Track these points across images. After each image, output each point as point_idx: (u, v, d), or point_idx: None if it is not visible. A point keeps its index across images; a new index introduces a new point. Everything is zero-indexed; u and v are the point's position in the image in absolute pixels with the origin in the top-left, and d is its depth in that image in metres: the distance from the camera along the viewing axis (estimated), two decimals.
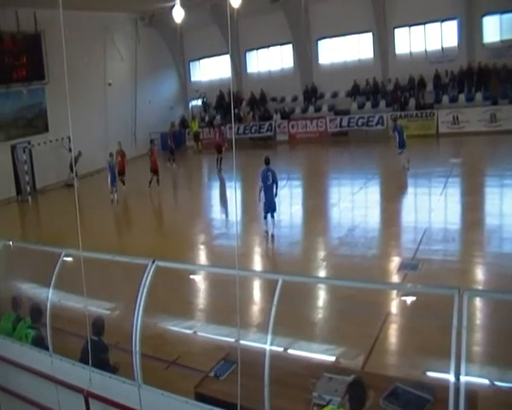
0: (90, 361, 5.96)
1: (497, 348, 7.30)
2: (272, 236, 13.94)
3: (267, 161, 13.93)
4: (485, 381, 4.48)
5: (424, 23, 29.29)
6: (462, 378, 3.95)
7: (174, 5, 25.38)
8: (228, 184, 22.37)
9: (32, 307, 7.28)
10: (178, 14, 24.05)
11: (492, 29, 28.10)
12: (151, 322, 5.99)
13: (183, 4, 25.78)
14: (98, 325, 6.61)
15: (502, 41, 27.72)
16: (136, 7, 29.55)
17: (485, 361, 6.67)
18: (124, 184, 21.91)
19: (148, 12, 31.47)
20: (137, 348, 5.50)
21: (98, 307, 6.62)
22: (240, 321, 4.88)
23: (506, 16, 27.55)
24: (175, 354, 8.03)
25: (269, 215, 14.00)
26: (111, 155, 21.35)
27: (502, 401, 5.09)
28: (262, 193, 13.80)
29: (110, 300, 6.82)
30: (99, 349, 6.47)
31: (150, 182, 21.90)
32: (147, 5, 29.01)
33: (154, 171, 22.00)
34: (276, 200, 14.05)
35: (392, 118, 27.93)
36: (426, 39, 29.70)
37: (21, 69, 24.06)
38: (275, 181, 13.76)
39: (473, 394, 4.52)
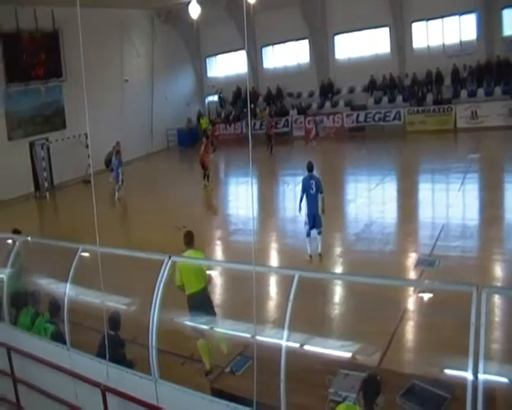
0: (108, 356, 6.01)
1: None
2: (320, 255, 11.85)
3: (310, 168, 12.02)
4: (504, 379, 4.41)
5: (442, 17, 28.96)
6: (481, 376, 3.90)
7: (190, 1, 25.47)
8: (244, 180, 22.36)
9: (51, 301, 7.36)
10: (195, 10, 24.12)
11: None
12: (168, 317, 6.01)
13: (198, 0, 25.86)
14: (115, 320, 6.67)
15: None
16: (153, 3, 29.63)
17: (504, 359, 6.58)
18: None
19: (165, 8, 31.57)
20: (154, 343, 5.53)
21: (115, 303, 6.65)
22: (256, 317, 4.86)
23: None
24: (191, 350, 8.07)
25: (313, 231, 11.93)
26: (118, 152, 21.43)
27: None
28: (304, 204, 11.92)
29: (127, 295, 6.86)
30: (116, 344, 6.53)
31: (204, 177, 21.45)
32: (163, 1, 29.09)
33: (203, 165, 21.51)
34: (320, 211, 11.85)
35: None
36: (444, 33, 29.37)
37: (39, 67, 24.29)
38: (319, 191, 11.74)
39: (491, 392, 4.46)
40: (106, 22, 26.70)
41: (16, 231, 8.96)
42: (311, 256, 11.87)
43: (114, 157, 21.44)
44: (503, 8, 27.45)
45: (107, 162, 23.85)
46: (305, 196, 11.77)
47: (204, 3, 27.30)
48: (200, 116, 33.89)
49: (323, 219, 11.92)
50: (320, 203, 11.72)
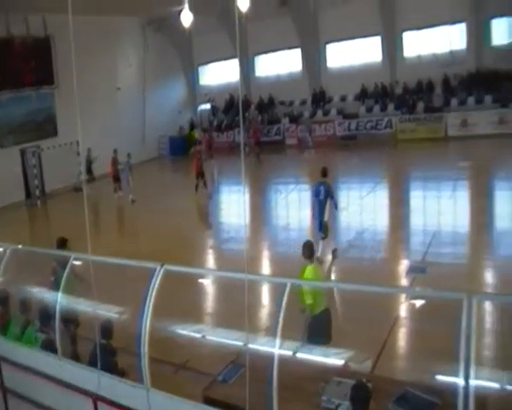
0: (99, 365, 5.98)
1: (507, 352, 7.26)
2: (317, 259, 11.53)
3: (323, 173, 12.07)
4: (495, 385, 4.45)
5: (432, 26, 29.26)
6: (472, 382, 3.92)
7: (182, 10, 25.51)
8: (235, 189, 22.36)
9: (41, 310, 7.31)
10: (187, 19, 24.16)
11: (501, 32, 28.09)
12: (160, 326, 5.99)
13: (191, 9, 25.90)
14: (106, 329, 6.63)
15: (510, 44, 27.67)
16: (145, 12, 29.67)
17: (494, 365, 6.62)
18: (120, 190, 21.97)
19: (157, 17, 31.59)
20: (145, 351, 5.50)
21: (106, 311, 6.62)
22: (248, 325, 4.86)
23: None
24: (184, 358, 8.04)
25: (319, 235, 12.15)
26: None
27: None
28: (316, 209, 12.18)
29: (119, 304, 6.83)
30: (107, 353, 6.49)
31: (197, 187, 21.17)
32: (155, 10, 29.10)
33: (199, 174, 21.16)
34: (327, 217, 12.07)
35: None
36: (434, 42, 29.65)
37: (31, 74, 24.24)
38: (329, 196, 11.97)
39: (482, 398, 4.49)
40: (98, 30, 26.66)
41: (62, 241, 8.76)
42: (317, 259, 11.88)
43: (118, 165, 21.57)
44: (492, 18, 27.82)
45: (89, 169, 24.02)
46: (317, 201, 12.03)
47: (196, 12, 27.37)
48: (193, 127, 33.76)
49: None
50: (326, 209, 11.91)
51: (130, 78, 31.73)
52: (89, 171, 24.14)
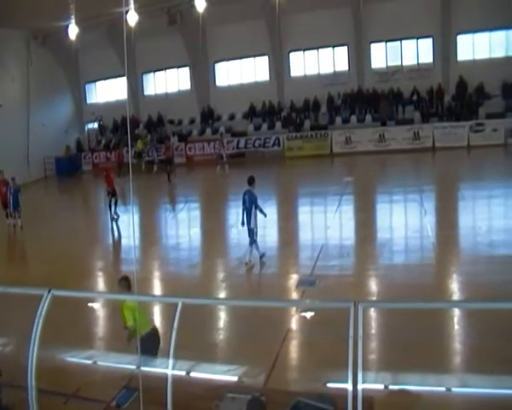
0: None
1: (391, 354, 7.67)
2: (246, 263, 12.73)
3: (249, 181, 12.88)
4: (381, 386, 4.71)
5: (317, 48, 30.74)
6: (360, 386, 4.11)
7: (68, 24, 24.76)
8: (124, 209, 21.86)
9: None
10: (73, 31, 23.53)
11: (379, 56, 30.15)
12: (48, 355, 5.69)
13: (78, 24, 25.20)
14: None
15: (387, 67, 29.76)
16: (28, 24, 28.16)
17: (380, 367, 6.96)
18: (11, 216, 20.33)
19: (42, 30, 30.26)
20: (33, 384, 5.20)
21: None
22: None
23: (391, 44, 29.69)
24: (74, 387, 7.67)
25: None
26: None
27: (395, 401, 5.38)
28: (243, 216, 12.74)
29: (2, 335, 6.40)
30: None
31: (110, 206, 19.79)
32: (39, 22, 27.83)
33: (112, 192, 19.74)
34: (253, 224, 12.61)
35: None
36: (319, 63, 31.12)
37: None
38: (252, 203, 12.59)
39: (369, 399, 4.73)
40: None
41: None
42: (246, 263, 12.76)
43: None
44: (371, 43, 29.76)
45: None
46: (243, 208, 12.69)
47: (84, 29, 26.67)
48: (138, 136, 32.03)
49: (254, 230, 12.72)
50: (252, 217, 12.55)
51: (13, 94, 30.13)
52: None
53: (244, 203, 12.72)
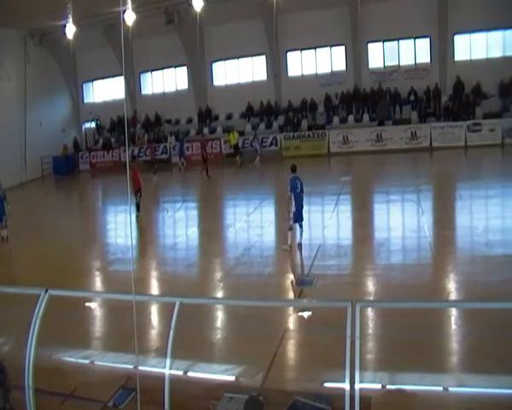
0: None
1: (388, 354, 7.67)
2: (299, 244, 13.40)
3: (294, 169, 13.55)
4: (378, 386, 4.72)
5: (314, 47, 30.74)
6: (357, 386, 4.11)
7: (66, 24, 24.70)
8: (123, 208, 21.82)
9: None
10: (71, 30, 23.45)
11: (377, 56, 30.18)
12: (45, 354, 5.69)
13: (75, 24, 25.16)
14: None
15: (385, 67, 29.78)
16: (25, 23, 28.15)
17: (377, 367, 6.97)
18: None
19: (39, 29, 30.24)
20: (30, 384, 5.20)
21: None
22: (138, 347, 4.77)
23: (388, 44, 29.72)
24: (72, 387, 7.66)
25: (297, 224, 13.47)
26: None
27: (392, 401, 5.38)
28: (292, 202, 13.26)
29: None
30: None
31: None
32: (37, 21, 27.83)
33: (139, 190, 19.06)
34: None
35: None
36: (316, 63, 31.14)
37: None
38: (303, 189, 13.46)
39: (367, 399, 4.73)
40: None
41: None
42: (290, 247, 13.42)
43: None
44: (368, 43, 29.80)
45: None
46: (293, 195, 13.22)
47: (81, 28, 26.65)
48: (231, 131, 30.98)
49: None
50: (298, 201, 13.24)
51: (10, 94, 30.05)
52: None
53: (295, 189, 13.22)
